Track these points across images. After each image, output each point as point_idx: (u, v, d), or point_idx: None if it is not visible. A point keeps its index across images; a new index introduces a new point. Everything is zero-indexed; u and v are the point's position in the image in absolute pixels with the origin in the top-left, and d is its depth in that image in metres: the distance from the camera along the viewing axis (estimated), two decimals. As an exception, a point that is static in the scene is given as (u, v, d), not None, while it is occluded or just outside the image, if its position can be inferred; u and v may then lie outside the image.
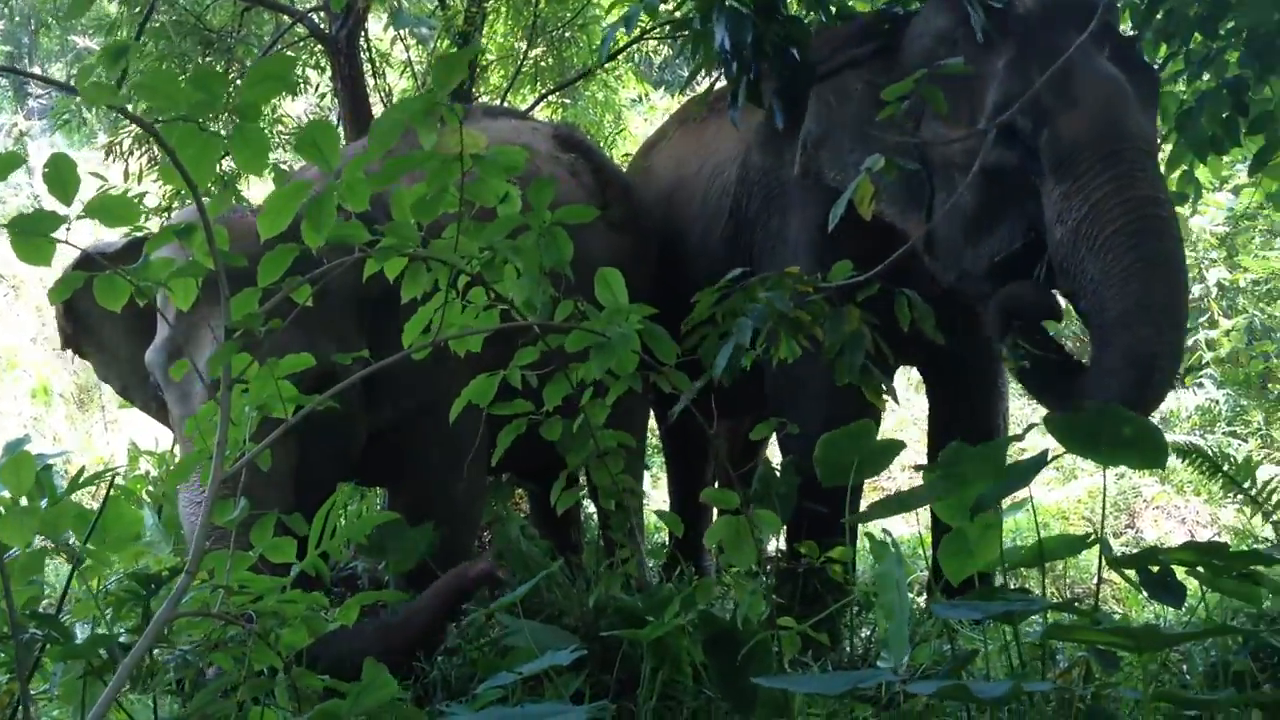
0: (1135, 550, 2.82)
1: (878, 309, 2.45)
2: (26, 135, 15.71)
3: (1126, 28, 3.48)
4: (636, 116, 10.52)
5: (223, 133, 1.72)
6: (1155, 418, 6.83)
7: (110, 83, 1.62)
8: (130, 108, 1.88)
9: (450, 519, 3.35)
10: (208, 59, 5.16)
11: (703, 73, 3.58)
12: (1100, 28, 2.92)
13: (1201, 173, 3.83)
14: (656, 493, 6.46)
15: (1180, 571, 2.03)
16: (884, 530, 2.85)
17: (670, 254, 4.13)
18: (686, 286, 3.86)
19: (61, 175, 1.72)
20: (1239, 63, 3.39)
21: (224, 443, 1.75)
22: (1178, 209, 3.96)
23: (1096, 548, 2.19)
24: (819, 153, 3.41)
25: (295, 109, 7.33)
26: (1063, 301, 3.11)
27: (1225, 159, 3.84)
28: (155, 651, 2.07)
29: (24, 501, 1.88)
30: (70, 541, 2.18)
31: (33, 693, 2.64)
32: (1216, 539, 5.61)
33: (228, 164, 5.06)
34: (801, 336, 2.38)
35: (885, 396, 2.53)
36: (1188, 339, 7.53)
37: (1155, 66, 3.51)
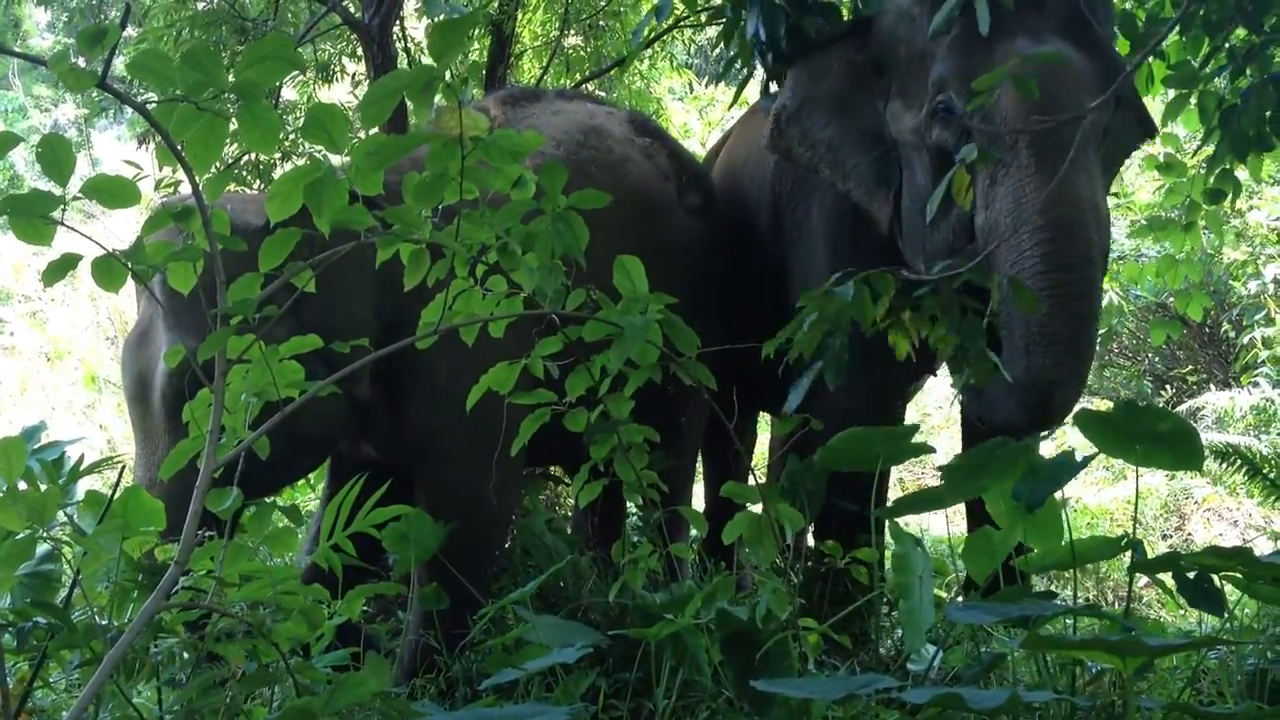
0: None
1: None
2: (91, 126, 15.93)
3: (1171, 19, 3.35)
4: (681, 108, 10.45)
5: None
6: (1209, 417, 6.73)
7: (94, 68, 1.57)
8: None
9: (473, 514, 3.16)
10: (243, 48, 5.16)
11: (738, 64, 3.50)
12: (1060, 6, 2.87)
13: (1244, 170, 3.71)
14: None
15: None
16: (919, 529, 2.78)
17: (735, 242, 4.07)
18: (752, 275, 3.85)
19: (56, 156, 1.69)
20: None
21: (217, 430, 1.72)
22: (1213, 207, 3.84)
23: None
24: (790, 128, 3.35)
25: (332, 98, 7.33)
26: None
27: (1267, 157, 3.69)
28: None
29: (22, 486, 1.87)
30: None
31: (52, 680, 2.64)
32: (1259, 543, 5.47)
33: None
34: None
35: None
36: (1243, 336, 7.38)
37: (1194, 62, 3.39)
